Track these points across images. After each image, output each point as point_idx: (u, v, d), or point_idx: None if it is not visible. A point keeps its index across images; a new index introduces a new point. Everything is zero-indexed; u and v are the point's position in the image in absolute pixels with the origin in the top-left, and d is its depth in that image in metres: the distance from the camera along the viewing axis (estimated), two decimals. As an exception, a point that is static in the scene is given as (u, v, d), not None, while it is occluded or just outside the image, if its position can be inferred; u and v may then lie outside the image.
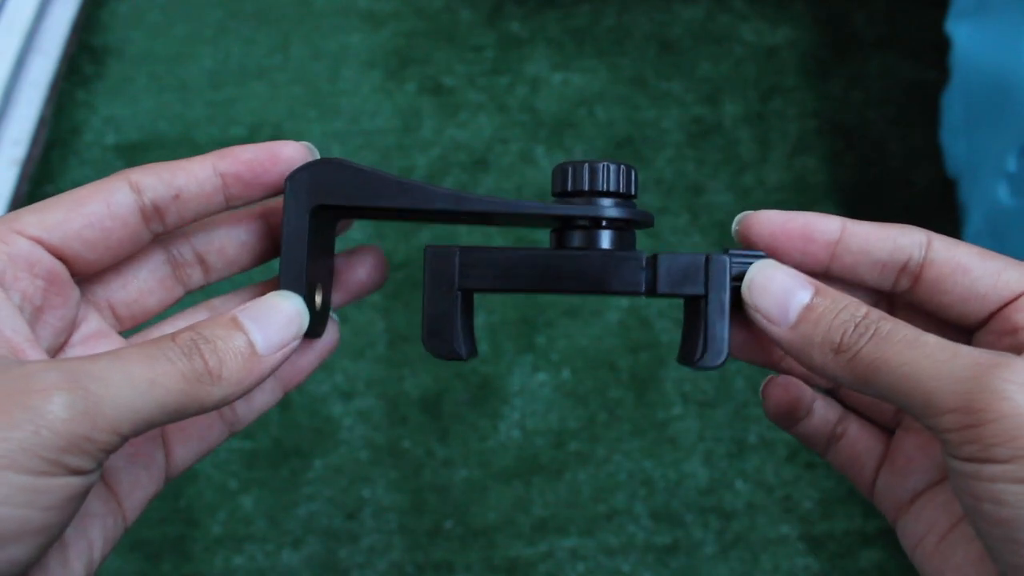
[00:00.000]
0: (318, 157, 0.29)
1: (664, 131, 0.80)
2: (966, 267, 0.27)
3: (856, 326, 0.25)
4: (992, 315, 0.27)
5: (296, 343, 0.26)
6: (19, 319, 0.25)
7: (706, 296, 0.28)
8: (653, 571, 0.63)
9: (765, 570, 0.63)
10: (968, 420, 0.23)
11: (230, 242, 0.30)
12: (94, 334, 0.28)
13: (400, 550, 0.64)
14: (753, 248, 0.28)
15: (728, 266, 0.28)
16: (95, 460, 0.22)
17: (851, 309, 0.25)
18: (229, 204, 0.28)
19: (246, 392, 0.25)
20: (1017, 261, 0.27)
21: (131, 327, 0.30)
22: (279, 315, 0.26)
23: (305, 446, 0.67)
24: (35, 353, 0.25)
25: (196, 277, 0.30)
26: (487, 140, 0.81)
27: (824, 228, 0.28)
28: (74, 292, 0.27)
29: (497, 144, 0.80)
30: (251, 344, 0.25)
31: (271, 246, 0.30)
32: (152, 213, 0.27)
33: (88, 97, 0.84)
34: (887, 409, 0.31)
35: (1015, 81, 0.60)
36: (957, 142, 0.71)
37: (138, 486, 0.28)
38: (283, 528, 0.64)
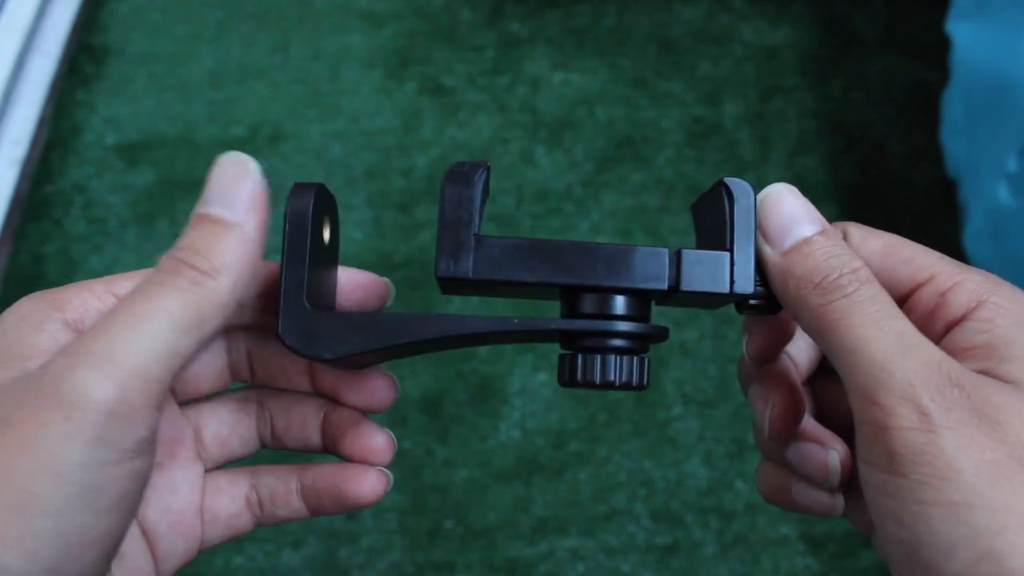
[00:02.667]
0: (392, 292, 0.29)
1: (664, 131, 0.80)
2: (867, 259, 0.27)
3: (841, 275, 0.25)
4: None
5: (262, 191, 0.26)
6: None
7: (731, 222, 0.27)
8: (653, 571, 0.63)
9: (765, 570, 0.63)
10: (885, 421, 0.23)
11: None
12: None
13: (400, 550, 0.64)
14: None
15: (752, 192, 0.27)
16: (140, 425, 0.22)
17: (844, 258, 0.25)
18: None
19: (252, 269, 0.24)
20: (925, 252, 0.27)
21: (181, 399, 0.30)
22: (231, 178, 0.25)
23: (305, 446, 0.67)
24: None
25: (244, 375, 0.31)
26: (487, 140, 0.81)
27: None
28: None
29: (497, 144, 0.80)
30: (220, 220, 0.24)
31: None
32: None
33: (88, 97, 0.84)
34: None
35: (1015, 81, 0.60)
36: (957, 142, 0.71)
37: (174, 553, 0.28)
38: (283, 528, 0.64)
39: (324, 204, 0.28)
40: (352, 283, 0.30)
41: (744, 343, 0.31)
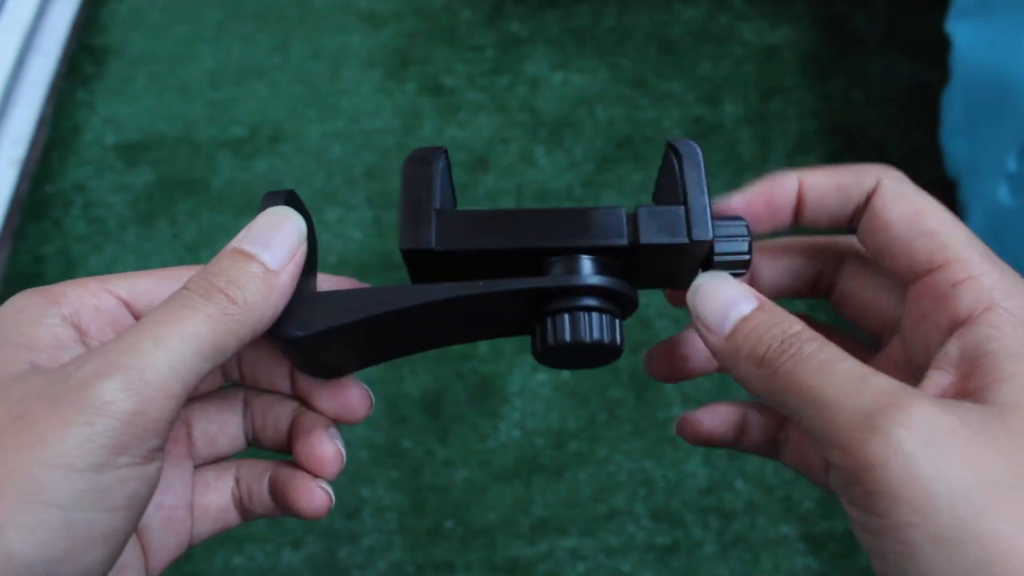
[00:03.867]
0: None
1: (664, 131, 0.80)
2: (887, 224, 0.27)
3: (782, 342, 0.24)
4: (909, 282, 0.27)
5: (303, 247, 0.26)
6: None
7: (682, 177, 0.28)
8: (653, 571, 0.63)
9: (765, 570, 0.63)
10: (854, 463, 0.22)
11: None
12: None
13: (400, 550, 0.64)
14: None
15: (698, 149, 0.28)
16: (154, 435, 0.22)
17: (783, 326, 0.25)
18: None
19: (276, 310, 0.25)
20: (952, 229, 0.26)
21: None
22: (276, 226, 0.26)
23: (305, 446, 0.67)
24: None
25: (233, 374, 0.31)
26: (487, 140, 0.81)
27: (783, 192, 0.29)
28: None
29: (497, 144, 0.80)
30: (263, 264, 0.25)
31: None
32: None
33: (88, 97, 0.84)
34: None
35: (1015, 81, 0.60)
36: (957, 142, 0.71)
37: (165, 549, 0.29)
38: (283, 528, 0.64)
39: (296, 207, 0.28)
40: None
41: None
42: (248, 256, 0.25)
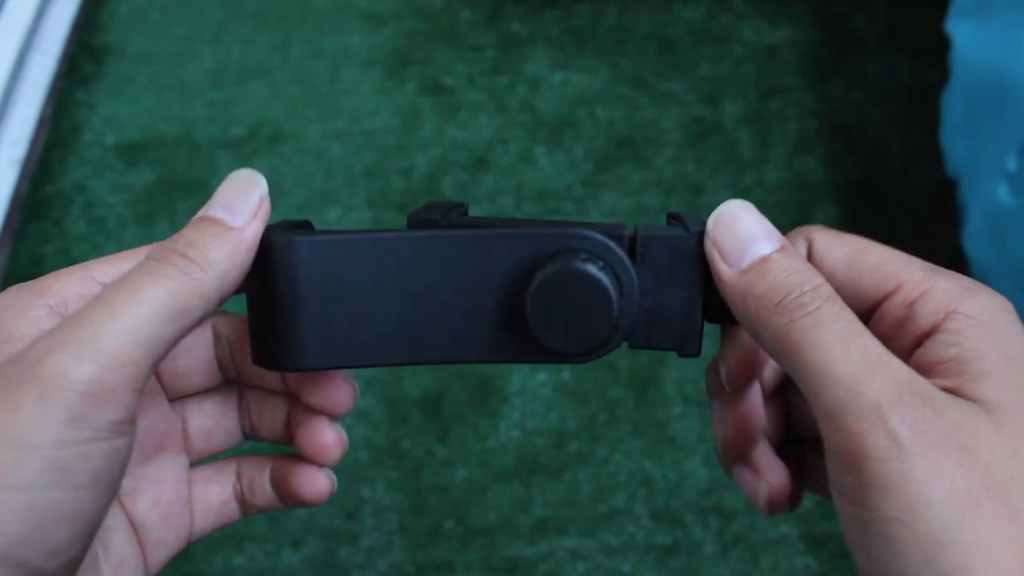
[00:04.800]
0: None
1: (664, 131, 0.80)
2: (831, 272, 0.26)
3: (802, 293, 0.23)
4: (867, 321, 0.26)
5: (266, 203, 0.26)
6: None
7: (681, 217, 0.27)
8: (653, 571, 0.63)
9: (765, 570, 0.63)
10: (856, 450, 0.22)
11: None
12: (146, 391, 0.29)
13: (400, 550, 0.64)
14: None
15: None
16: (115, 406, 0.22)
17: (806, 275, 0.24)
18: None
19: (241, 270, 0.25)
20: (893, 257, 0.26)
21: (172, 396, 0.30)
22: (234, 184, 0.26)
23: (305, 446, 0.67)
24: None
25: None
26: (487, 140, 0.81)
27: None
28: None
29: (497, 144, 0.80)
30: (222, 221, 0.25)
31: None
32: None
33: (88, 97, 0.84)
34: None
35: (1015, 81, 0.60)
36: (957, 142, 0.70)
37: (164, 544, 0.29)
38: (283, 528, 0.64)
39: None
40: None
41: (721, 361, 0.29)
42: (208, 219, 0.25)
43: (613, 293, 0.26)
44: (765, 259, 0.25)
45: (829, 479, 0.23)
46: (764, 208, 0.28)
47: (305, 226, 0.28)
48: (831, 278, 0.26)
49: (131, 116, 0.83)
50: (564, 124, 0.81)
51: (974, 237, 0.66)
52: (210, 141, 0.81)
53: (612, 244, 0.26)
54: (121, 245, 0.76)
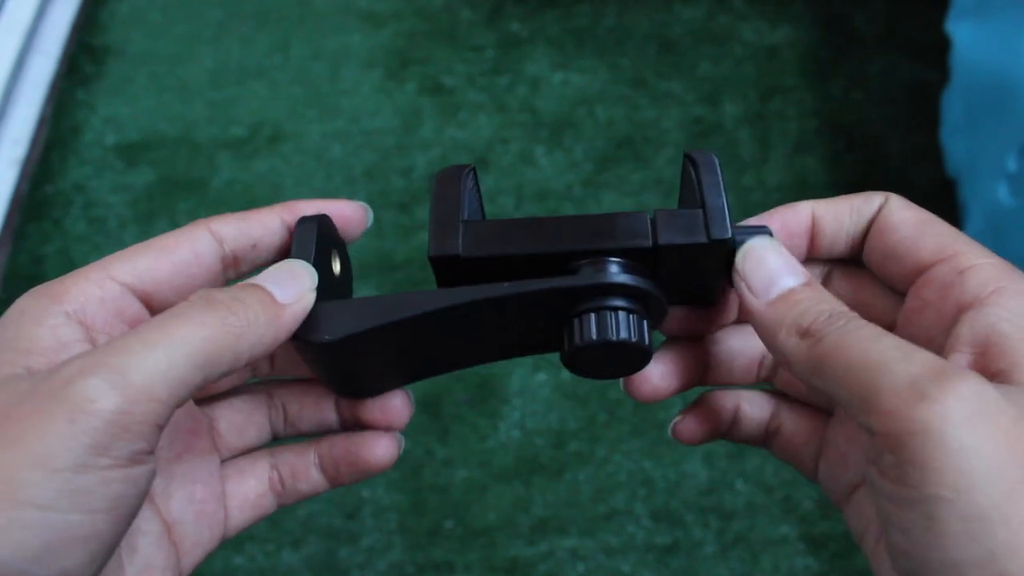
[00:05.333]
0: (371, 217, 0.30)
1: (664, 131, 0.80)
2: (895, 226, 0.27)
3: (829, 316, 0.24)
4: (911, 283, 0.27)
5: (311, 295, 0.26)
6: None
7: (699, 183, 0.27)
8: (653, 571, 0.63)
9: (765, 570, 0.63)
10: (895, 428, 0.21)
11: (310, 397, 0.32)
12: None
13: (400, 550, 0.64)
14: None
15: (715, 159, 0.28)
16: (137, 438, 0.22)
17: (831, 304, 0.25)
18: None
19: (276, 339, 0.25)
20: (956, 233, 0.27)
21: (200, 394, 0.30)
22: (288, 268, 0.26)
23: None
24: None
25: (263, 369, 0.31)
26: (487, 140, 0.81)
27: (797, 218, 0.29)
28: None
29: (497, 144, 0.80)
30: (270, 293, 0.25)
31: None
32: (231, 260, 0.28)
33: (88, 97, 0.84)
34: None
35: (1015, 81, 0.60)
36: (957, 142, 0.71)
37: (199, 544, 0.29)
38: (283, 528, 0.64)
39: (329, 236, 0.29)
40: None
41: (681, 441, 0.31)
42: (258, 287, 0.25)
43: (647, 342, 0.27)
44: (792, 291, 0.26)
45: (868, 469, 0.23)
46: (764, 208, 0.29)
47: (324, 225, 0.28)
48: (895, 230, 0.27)
49: (131, 116, 0.83)
50: (564, 124, 0.81)
51: (974, 237, 0.66)
52: (210, 141, 0.81)
53: (642, 284, 0.27)
54: (121, 245, 0.76)
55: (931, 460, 0.20)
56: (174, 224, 0.77)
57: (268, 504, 0.31)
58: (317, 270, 0.27)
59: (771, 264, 0.26)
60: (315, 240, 0.28)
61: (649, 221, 0.27)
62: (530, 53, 0.85)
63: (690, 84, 0.83)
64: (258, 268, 0.29)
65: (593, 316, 0.27)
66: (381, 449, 0.30)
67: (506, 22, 0.87)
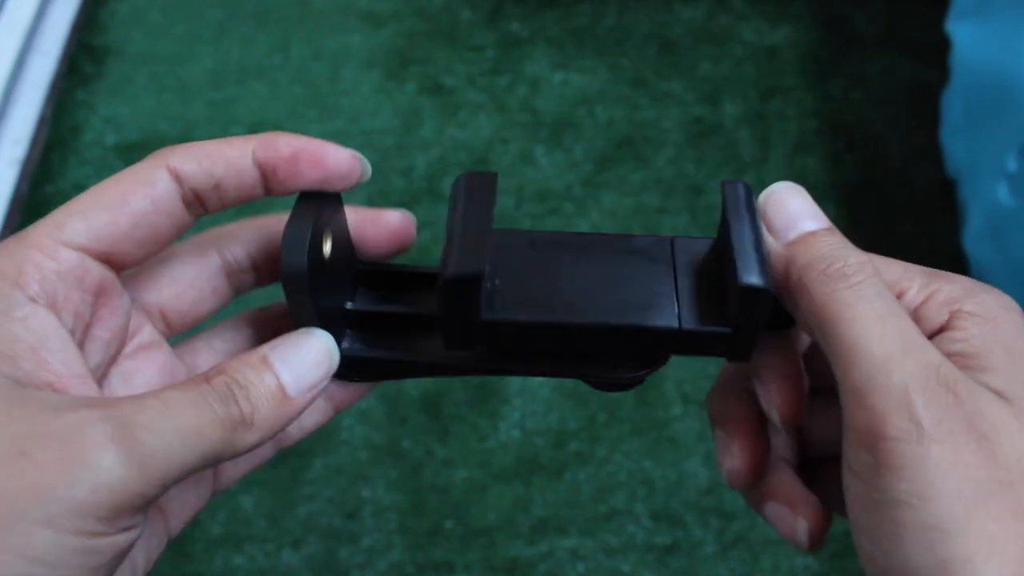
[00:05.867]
0: (368, 169, 0.27)
1: (664, 131, 0.80)
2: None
3: (846, 264, 0.24)
4: None
5: (325, 383, 0.26)
6: (71, 348, 0.24)
7: (724, 218, 0.26)
8: (653, 571, 0.63)
9: (765, 570, 0.63)
10: (875, 427, 0.22)
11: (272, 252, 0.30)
12: (146, 345, 0.28)
13: (400, 550, 0.64)
14: None
15: (744, 193, 0.27)
16: (141, 514, 0.22)
17: (850, 250, 0.25)
18: (268, 193, 0.27)
19: (275, 435, 0.25)
20: (893, 266, 0.26)
21: (179, 332, 0.29)
22: (309, 355, 0.25)
23: (305, 446, 0.67)
24: (86, 387, 0.24)
25: (247, 282, 0.30)
26: (487, 140, 0.81)
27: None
28: (124, 299, 0.26)
29: (497, 144, 0.80)
30: (282, 387, 0.25)
31: None
32: (193, 200, 0.26)
33: (88, 97, 0.84)
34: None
35: (1015, 81, 0.60)
36: (957, 142, 0.71)
37: (187, 505, 0.28)
38: (283, 528, 0.64)
39: (322, 224, 0.26)
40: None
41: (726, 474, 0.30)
42: (272, 373, 0.25)
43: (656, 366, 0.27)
44: (812, 233, 0.26)
45: (844, 458, 0.23)
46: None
47: (332, 201, 0.27)
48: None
49: (131, 116, 0.83)
50: (564, 124, 0.81)
51: (974, 237, 0.66)
52: (210, 141, 0.81)
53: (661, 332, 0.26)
54: (121, 245, 0.76)
55: (904, 467, 0.21)
56: (174, 224, 0.77)
57: (265, 450, 0.29)
58: (308, 257, 0.25)
59: (794, 205, 0.26)
60: (312, 225, 0.25)
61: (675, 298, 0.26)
62: (530, 53, 0.85)
63: (690, 84, 0.83)
64: (225, 206, 0.27)
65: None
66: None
67: (506, 22, 0.87)
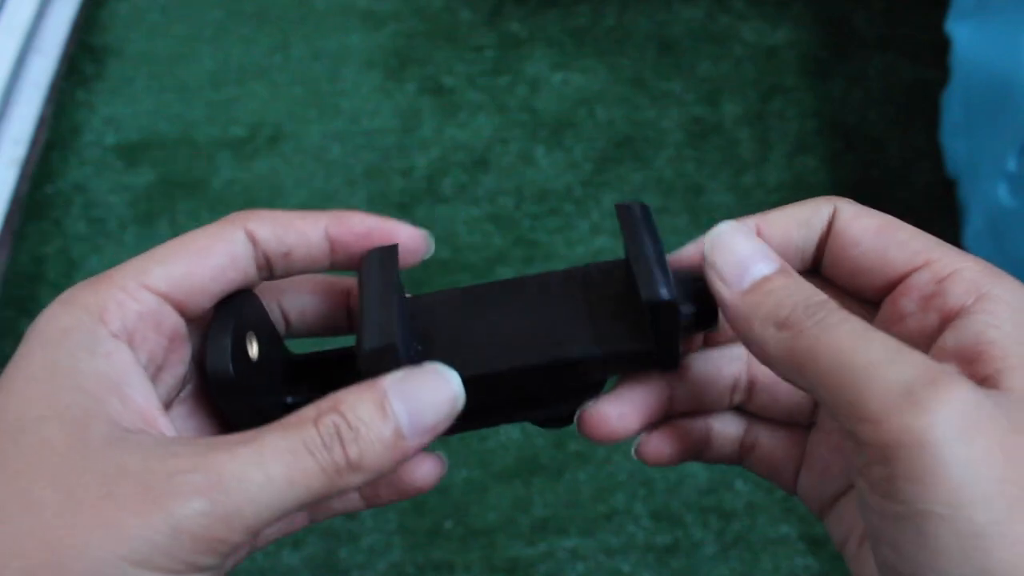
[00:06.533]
0: (431, 246, 0.28)
1: (664, 131, 0.80)
2: (856, 240, 0.26)
3: (807, 307, 0.23)
4: (884, 295, 0.25)
5: (445, 427, 0.25)
6: (149, 385, 0.25)
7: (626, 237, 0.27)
8: (653, 571, 0.63)
9: (765, 570, 0.63)
10: (885, 438, 0.20)
11: (313, 308, 0.30)
12: (198, 392, 0.28)
13: (400, 550, 0.64)
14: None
15: (639, 212, 0.27)
16: (225, 557, 0.22)
17: (808, 292, 0.23)
18: (333, 267, 0.28)
19: (383, 476, 0.24)
20: (921, 236, 0.25)
21: None
22: (435, 396, 0.24)
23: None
24: (166, 423, 0.24)
25: (299, 331, 0.30)
26: (487, 140, 0.81)
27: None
28: (188, 349, 0.27)
29: (497, 144, 0.80)
30: (398, 430, 0.23)
31: (344, 323, 0.30)
32: (263, 263, 0.27)
33: (88, 97, 0.84)
34: (798, 410, 0.29)
35: (1015, 81, 0.60)
36: (957, 142, 0.71)
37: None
38: (283, 528, 0.64)
39: (246, 327, 0.27)
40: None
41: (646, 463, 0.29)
42: (388, 416, 0.23)
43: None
44: (766, 279, 0.24)
45: (855, 477, 0.22)
46: (764, 209, 0.29)
47: (251, 301, 0.28)
48: (855, 246, 0.25)
49: (131, 116, 0.83)
50: (564, 124, 0.81)
51: (974, 237, 0.66)
52: (210, 141, 0.81)
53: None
54: (121, 245, 0.76)
55: (925, 474, 0.19)
56: (174, 224, 0.77)
57: (299, 519, 0.29)
58: (232, 362, 0.25)
59: (742, 251, 0.25)
60: (232, 331, 0.26)
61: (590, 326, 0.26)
62: (530, 53, 0.85)
63: (690, 84, 0.83)
64: (289, 274, 0.28)
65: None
66: (426, 470, 0.28)
67: (506, 22, 0.87)
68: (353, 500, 0.29)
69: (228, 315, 0.26)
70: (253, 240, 0.27)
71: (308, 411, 0.23)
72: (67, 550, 0.21)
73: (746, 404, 0.29)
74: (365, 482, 0.23)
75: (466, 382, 0.25)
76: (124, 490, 0.21)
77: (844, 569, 0.67)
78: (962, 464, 0.19)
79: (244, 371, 0.26)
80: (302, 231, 0.27)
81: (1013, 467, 0.19)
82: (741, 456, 0.30)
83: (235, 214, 0.27)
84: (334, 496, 0.23)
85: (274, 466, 0.22)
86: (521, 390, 0.27)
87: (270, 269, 0.27)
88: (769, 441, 0.30)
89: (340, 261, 0.28)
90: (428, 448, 0.28)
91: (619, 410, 0.27)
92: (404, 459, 0.24)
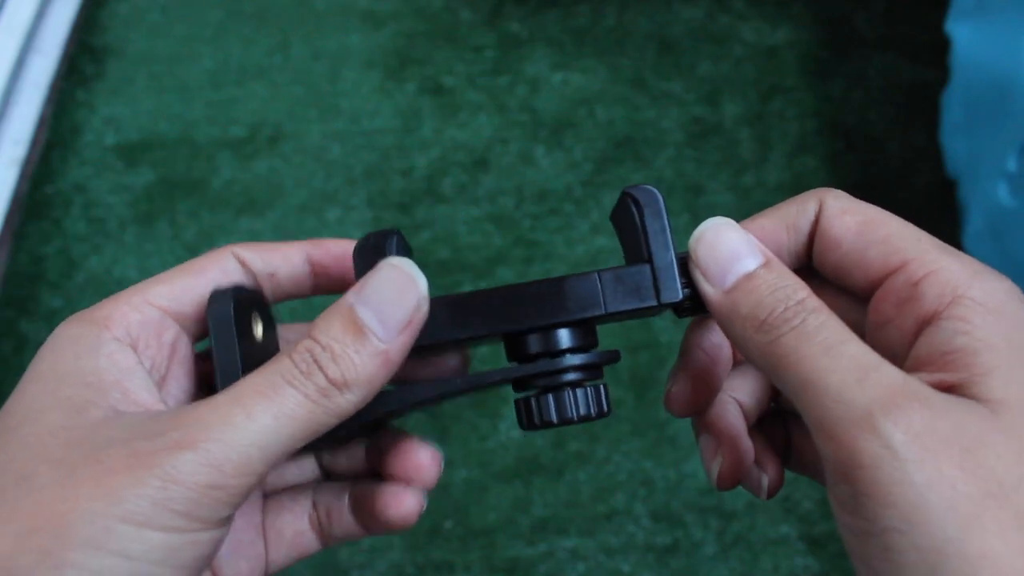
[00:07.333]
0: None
1: (664, 131, 0.80)
2: (838, 241, 0.25)
3: (786, 309, 0.23)
4: (871, 294, 0.25)
5: (421, 315, 0.24)
6: (150, 383, 0.26)
7: (644, 232, 0.26)
8: (653, 571, 0.63)
9: (765, 570, 0.63)
10: (846, 458, 0.21)
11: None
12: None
13: (400, 550, 0.64)
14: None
15: (658, 196, 0.26)
16: (230, 506, 0.23)
17: (789, 291, 0.23)
18: (316, 290, 0.30)
19: (380, 387, 0.24)
20: (904, 232, 0.25)
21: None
22: (396, 289, 0.24)
23: (305, 446, 0.67)
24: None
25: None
26: (487, 140, 0.81)
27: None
28: (191, 362, 0.28)
29: (497, 144, 0.80)
30: (371, 336, 0.24)
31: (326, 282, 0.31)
32: (254, 285, 0.29)
33: (88, 97, 0.84)
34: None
35: (1015, 81, 0.60)
36: (957, 142, 0.71)
37: (238, 574, 0.29)
38: (283, 528, 0.64)
39: (249, 303, 0.28)
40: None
41: (667, 395, 0.29)
42: (358, 327, 0.23)
43: (606, 406, 0.27)
44: (749, 276, 0.24)
45: (828, 490, 0.22)
46: (765, 208, 0.28)
47: (240, 294, 0.28)
48: (837, 246, 0.25)
49: (131, 116, 0.83)
50: (564, 124, 0.81)
51: (974, 237, 0.66)
52: (210, 141, 0.81)
53: (595, 358, 0.27)
54: (121, 245, 0.76)
55: (884, 494, 0.20)
56: (174, 224, 0.77)
57: (309, 543, 0.30)
58: (239, 342, 0.26)
59: (726, 246, 0.25)
60: (232, 312, 0.27)
61: (599, 283, 0.26)
62: (530, 53, 0.85)
63: (690, 84, 0.83)
64: (277, 298, 0.30)
65: (551, 398, 0.26)
66: (399, 505, 0.29)
67: (506, 22, 0.87)
68: (350, 525, 0.30)
69: (224, 301, 0.28)
70: (242, 263, 0.29)
71: (284, 350, 0.24)
72: (61, 516, 0.21)
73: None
74: (362, 399, 0.24)
75: (448, 302, 0.25)
76: (113, 456, 0.22)
77: (844, 569, 0.67)
78: (918, 484, 0.20)
79: (248, 350, 0.27)
80: (286, 254, 0.29)
81: (968, 484, 0.20)
82: (784, 453, 0.30)
83: (224, 246, 0.29)
84: (333, 423, 0.23)
85: (255, 405, 0.23)
86: (508, 304, 0.26)
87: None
88: (801, 440, 0.30)
89: (322, 284, 0.30)
90: (427, 443, 0.30)
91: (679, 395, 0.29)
92: (391, 364, 0.24)
